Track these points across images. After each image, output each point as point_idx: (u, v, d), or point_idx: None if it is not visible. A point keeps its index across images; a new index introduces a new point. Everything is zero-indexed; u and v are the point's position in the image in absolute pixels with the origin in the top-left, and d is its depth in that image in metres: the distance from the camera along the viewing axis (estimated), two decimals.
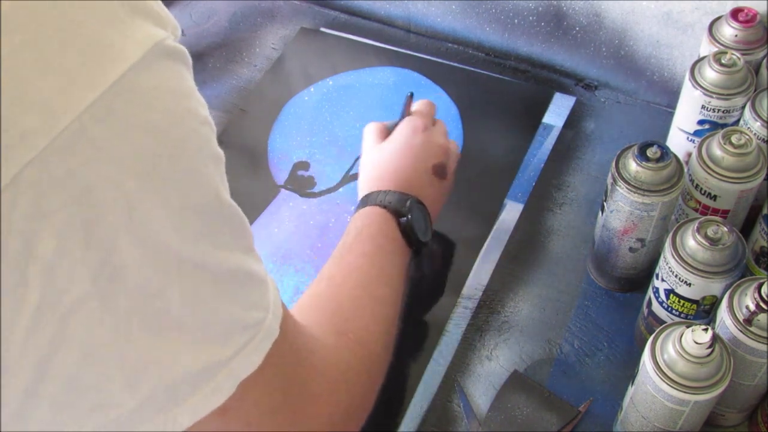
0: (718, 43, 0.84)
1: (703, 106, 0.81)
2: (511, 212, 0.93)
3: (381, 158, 0.78)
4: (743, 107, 0.80)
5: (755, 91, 0.80)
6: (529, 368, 0.80)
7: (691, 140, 0.85)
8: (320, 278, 0.66)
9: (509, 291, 0.87)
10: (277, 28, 1.17)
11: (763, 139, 0.78)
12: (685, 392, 0.62)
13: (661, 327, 0.66)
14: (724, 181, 0.74)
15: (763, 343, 0.64)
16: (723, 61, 0.79)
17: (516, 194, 0.95)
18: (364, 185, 0.77)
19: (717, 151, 0.74)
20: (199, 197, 0.42)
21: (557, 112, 1.03)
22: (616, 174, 0.74)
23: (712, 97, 0.80)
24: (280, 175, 0.99)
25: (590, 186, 0.95)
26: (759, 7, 0.84)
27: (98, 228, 0.37)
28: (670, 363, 0.63)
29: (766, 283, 0.64)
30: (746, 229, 0.79)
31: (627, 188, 0.74)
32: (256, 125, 1.04)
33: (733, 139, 0.73)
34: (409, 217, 0.70)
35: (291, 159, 1.00)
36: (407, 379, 0.80)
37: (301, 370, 0.52)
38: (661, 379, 0.63)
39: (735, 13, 0.83)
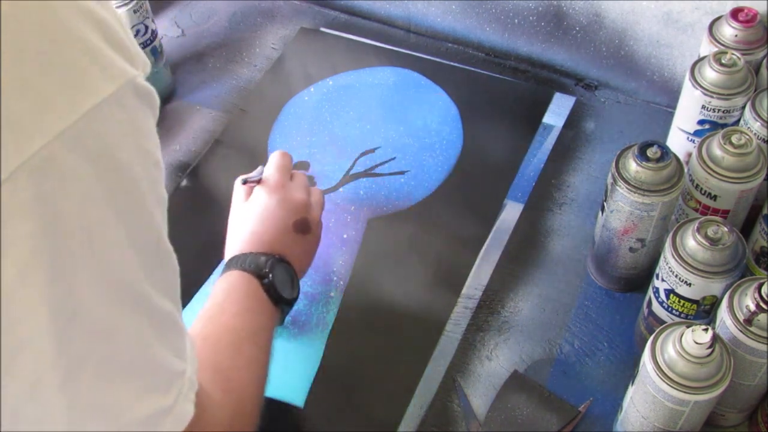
0: (718, 43, 0.84)
1: (703, 106, 0.81)
2: (511, 212, 0.93)
3: (243, 221, 0.79)
4: (743, 107, 0.80)
5: (755, 91, 0.80)
6: (529, 368, 0.80)
7: (691, 140, 0.85)
8: (193, 336, 0.66)
9: (509, 291, 0.87)
10: (277, 28, 1.17)
11: (763, 139, 0.78)
12: (685, 392, 0.62)
13: (661, 327, 0.66)
14: (724, 181, 0.74)
15: (763, 343, 0.64)
16: (723, 61, 0.79)
17: (516, 194, 0.95)
18: (229, 247, 0.78)
19: (717, 151, 0.74)
20: (146, 237, 0.43)
21: (557, 112, 1.03)
22: (616, 174, 0.74)
23: (712, 97, 0.80)
24: None
25: (590, 186, 0.95)
26: (759, 7, 0.84)
27: (62, 260, 0.37)
28: (670, 363, 0.63)
29: (766, 283, 0.64)
30: (746, 229, 0.79)
31: (627, 188, 0.74)
32: (256, 125, 1.04)
33: (734, 139, 0.73)
34: (271, 277, 0.71)
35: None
36: (407, 379, 0.80)
37: (201, 424, 0.52)
38: (661, 379, 0.63)
39: (735, 13, 0.83)
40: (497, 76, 1.08)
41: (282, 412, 0.78)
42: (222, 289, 0.71)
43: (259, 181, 0.81)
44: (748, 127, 0.79)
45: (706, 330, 0.62)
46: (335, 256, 0.90)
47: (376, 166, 0.98)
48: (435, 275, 0.88)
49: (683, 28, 0.95)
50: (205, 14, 1.19)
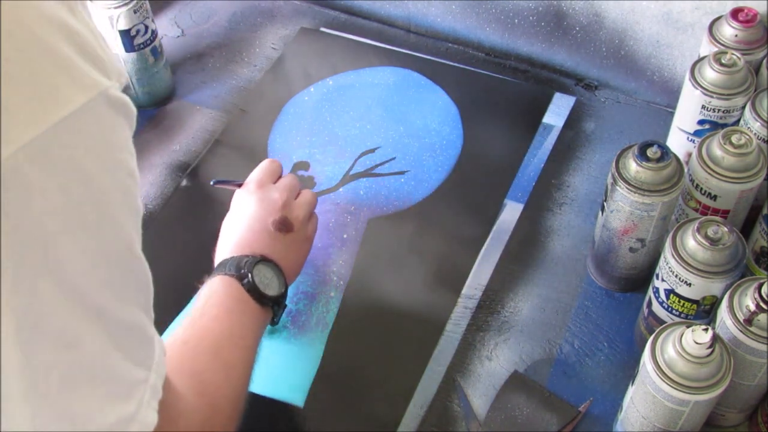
0: (718, 43, 0.84)
1: (703, 106, 0.81)
2: (511, 212, 0.93)
3: (227, 227, 0.81)
4: (743, 107, 0.80)
5: (755, 91, 0.80)
6: (529, 368, 0.80)
7: (691, 140, 0.85)
8: (174, 340, 0.67)
9: (509, 291, 0.87)
10: (277, 28, 1.17)
11: (763, 139, 0.78)
12: (685, 392, 0.62)
13: (661, 327, 0.66)
14: (724, 181, 0.74)
15: (763, 343, 0.64)
16: (723, 61, 0.79)
17: (516, 194, 0.95)
18: (217, 256, 0.79)
19: (717, 151, 0.74)
20: (113, 247, 0.43)
21: (557, 112, 1.03)
22: (616, 174, 0.74)
23: (712, 97, 0.80)
24: None
25: (590, 186, 0.95)
26: (759, 7, 0.84)
27: (24, 270, 0.37)
28: (670, 363, 0.63)
29: (766, 283, 0.64)
30: (746, 229, 0.79)
31: (627, 188, 0.74)
32: (256, 125, 1.04)
33: (734, 139, 0.73)
34: (250, 277, 0.72)
35: (291, 159, 1.00)
36: (407, 379, 0.80)
37: (173, 428, 0.53)
38: (662, 379, 0.63)
39: (735, 13, 0.83)
40: (497, 76, 1.08)
41: (282, 412, 0.78)
42: (203, 294, 0.72)
43: (240, 185, 0.83)
44: (748, 127, 0.79)
45: (706, 330, 0.62)
46: (335, 256, 0.90)
47: (376, 166, 0.98)
48: (435, 275, 0.88)
49: (683, 28, 0.95)
50: (205, 14, 1.19)
